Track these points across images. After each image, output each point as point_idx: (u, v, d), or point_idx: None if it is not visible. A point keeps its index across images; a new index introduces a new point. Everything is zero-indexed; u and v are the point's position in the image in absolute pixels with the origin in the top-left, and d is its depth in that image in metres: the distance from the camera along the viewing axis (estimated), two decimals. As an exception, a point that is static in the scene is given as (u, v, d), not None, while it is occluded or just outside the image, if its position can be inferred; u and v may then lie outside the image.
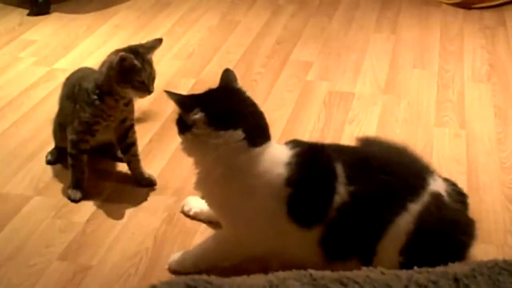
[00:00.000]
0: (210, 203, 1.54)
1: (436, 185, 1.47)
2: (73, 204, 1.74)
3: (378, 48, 2.60)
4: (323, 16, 2.90)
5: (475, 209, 1.71)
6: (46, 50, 2.60)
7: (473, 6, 2.95)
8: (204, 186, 1.51)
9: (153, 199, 1.76)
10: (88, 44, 2.64)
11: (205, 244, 1.53)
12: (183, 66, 2.47)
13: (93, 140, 1.78)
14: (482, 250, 1.56)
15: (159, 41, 1.76)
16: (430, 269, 1.11)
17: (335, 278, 1.07)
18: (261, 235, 1.46)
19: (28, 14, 2.91)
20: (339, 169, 1.43)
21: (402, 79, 2.37)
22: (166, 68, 2.43)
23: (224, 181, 1.45)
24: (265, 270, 1.11)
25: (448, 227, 1.43)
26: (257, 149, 1.44)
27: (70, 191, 1.77)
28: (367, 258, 1.41)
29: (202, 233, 1.63)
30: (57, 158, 1.91)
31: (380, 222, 1.42)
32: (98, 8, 2.99)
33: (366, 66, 2.46)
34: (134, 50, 1.69)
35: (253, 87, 2.31)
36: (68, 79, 1.87)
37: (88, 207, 1.73)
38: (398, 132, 2.05)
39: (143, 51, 1.71)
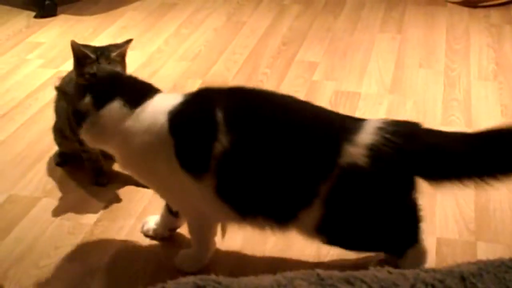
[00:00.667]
0: (142, 181, 1.57)
1: (352, 153, 1.33)
2: (81, 206, 1.75)
3: (384, 48, 2.61)
4: (328, 16, 2.90)
5: (482, 209, 1.71)
6: (53, 52, 2.61)
7: (479, 4, 2.95)
8: (125, 167, 1.54)
9: (161, 200, 1.77)
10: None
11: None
12: (189, 67, 2.47)
13: None
14: (489, 249, 1.56)
15: (128, 41, 1.78)
16: (436, 268, 1.11)
17: (343, 277, 1.07)
18: (182, 195, 1.45)
19: (35, 17, 2.93)
20: (219, 115, 1.36)
21: (408, 78, 2.38)
22: (172, 70, 2.44)
23: (130, 153, 1.46)
24: (273, 270, 1.12)
25: (363, 209, 1.37)
26: (139, 108, 1.44)
27: (95, 179, 1.82)
28: (280, 218, 1.39)
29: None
30: (65, 160, 1.92)
31: (277, 182, 1.35)
32: (105, 10, 3.00)
33: (372, 65, 2.47)
34: (99, 47, 1.74)
35: (259, 87, 2.31)
36: (61, 80, 1.88)
37: (96, 208, 1.74)
38: (404, 131, 2.05)
39: (107, 48, 1.74)
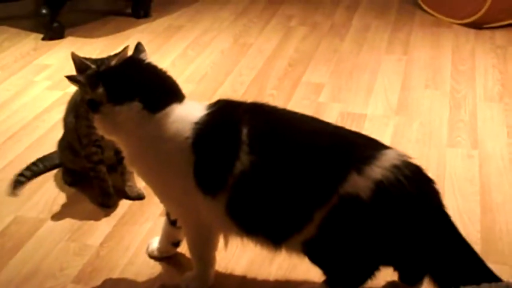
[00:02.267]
0: (144, 181, 1.51)
1: (357, 183, 1.29)
2: (87, 227, 1.75)
3: (390, 69, 2.61)
4: (334, 38, 2.91)
5: (488, 230, 1.71)
6: (60, 74, 2.62)
7: (484, 26, 2.96)
8: (131, 165, 1.47)
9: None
10: (102, 68, 2.67)
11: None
12: (196, 89, 2.48)
13: (106, 152, 1.82)
14: (495, 271, 1.55)
15: (125, 47, 1.76)
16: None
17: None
18: (187, 206, 1.42)
19: (43, 39, 2.95)
20: (244, 136, 1.34)
21: (414, 99, 2.38)
22: (179, 91, 2.44)
23: (143, 156, 1.41)
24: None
25: (352, 241, 1.34)
26: (161, 113, 1.38)
27: (101, 200, 1.83)
28: (275, 239, 1.37)
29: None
30: (75, 179, 1.92)
31: (282, 204, 1.34)
32: (112, 32, 3.02)
33: (378, 87, 2.47)
34: (99, 58, 1.76)
35: (265, 109, 2.32)
36: (71, 97, 1.90)
37: (102, 229, 1.74)
38: (410, 153, 2.04)
39: (106, 58, 1.76)
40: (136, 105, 1.38)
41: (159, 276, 1.58)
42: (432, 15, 3.13)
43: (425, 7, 3.17)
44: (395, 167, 1.31)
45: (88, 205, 1.84)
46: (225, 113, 1.41)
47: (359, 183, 1.30)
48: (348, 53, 2.76)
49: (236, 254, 1.62)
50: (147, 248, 1.65)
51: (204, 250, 1.49)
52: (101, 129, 1.44)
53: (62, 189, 1.91)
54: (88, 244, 1.69)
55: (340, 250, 1.36)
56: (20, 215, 1.81)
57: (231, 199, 1.36)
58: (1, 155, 2.09)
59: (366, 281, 1.40)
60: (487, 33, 2.91)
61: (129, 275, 1.59)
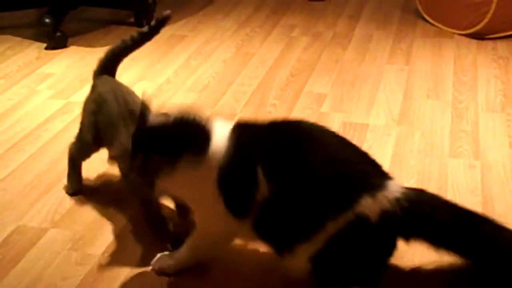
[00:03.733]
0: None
1: (369, 205, 1.41)
2: (89, 237, 1.75)
3: (392, 79, 2.62)
4: (336, 48, 2.92)
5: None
6: (63, 83, 2.63)
7: (486, 36, 2.96)
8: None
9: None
10: (104, 77, 2.67)
11: (187, 242, 1.61)
12: (198, 98, 2.49)
13: None
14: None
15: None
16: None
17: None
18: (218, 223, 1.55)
19: (46, 48, 2.96)
20: (260, 171, 1.45)
21: (416, 110, 2.38)
22: (181, 101, 2.45)
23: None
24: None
25: (358, 258, 1.45)
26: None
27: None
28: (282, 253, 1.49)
29: (219, 267, 1.64)
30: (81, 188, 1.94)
31: (296, 224, 1.45)
32: (114, 41, 3.00)
33: (380, 97, 2.48)
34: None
35: (268, 119, 2.32)
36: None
37: (104, 239, 1.74)
38: (412, 163, 2.05)
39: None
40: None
41: (161, 285, 1.58)
42: (434, 26, 3.13)
43: (427, 18, 3.18)
44: (397, 200, 1.45)
45: (90, 215, 1.84)
46: (242, 151, 1.49)
47: (371, 207, 1.42)
48: (350, 63, 2.77)
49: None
50: (152, 265, 1.64)
51: (206, 250, 1.61)
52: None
53: (64, 198, 1.91)
54: (90, 254, 1.69)
55: (344, 264, 1.46)
56: (22, 224, 1.81)
57: (257, 220, 1.49)
58: (3, 164, 2.09)
59: None
60: (489, 43, 2.92)
61: (131, 285, 1.59)
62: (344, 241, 1.43)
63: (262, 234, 1.51)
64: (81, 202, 1.89)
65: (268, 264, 1.62)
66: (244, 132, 1.52)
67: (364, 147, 2.13)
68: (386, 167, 2.00)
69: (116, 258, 1.67)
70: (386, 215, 1.43)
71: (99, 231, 1.77)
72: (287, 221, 1.46)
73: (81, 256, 1.68)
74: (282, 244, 1.49)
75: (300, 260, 1.46)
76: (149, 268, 1.63)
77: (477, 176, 1.98)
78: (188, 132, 1.48)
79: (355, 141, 2.14)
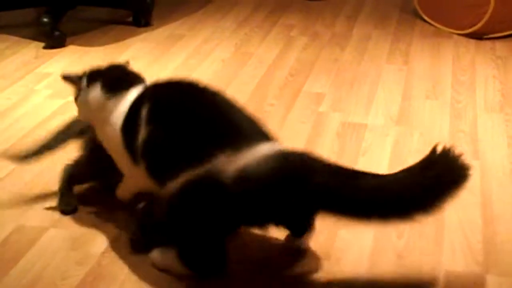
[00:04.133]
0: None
1: (222, 163, 1.43)
2: (88, 236, 1.75)
3: (391, 79, 2.62)
4: (335, 48, 2.92)
5: (490, 241, 1.71)
6: (62, 83, 2.60)
7: (484, 36, 2.97)
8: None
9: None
10: (103, 77, 2.67)
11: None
12: (197, 98, 2.48)
13: None
14: (496, 283, 1.56)
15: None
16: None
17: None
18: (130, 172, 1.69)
19: (44, 47, 2.96)
20: (145, 108, 1.56)
21: (414, 109, 2.39)
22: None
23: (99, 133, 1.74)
24: None
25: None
26: (113, 99, 1.67)
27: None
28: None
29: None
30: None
31: (163, 165, 1.53)
32: (113, 41, 3.03)
33: (378, 97, 2.48)
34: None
35: (266, 118, 2.32)
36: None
37: (104, 238, 1.74)
38: (411, 162, 2.05)
39: None
40: (98, 87, 1.70)
41: (160, 285, 1.58)
42: (433, 25, 3.14)
43: (426, 17, 3.18)
44: (264, 158, 1.43)
45: (90, 214, 1.84)
46: (137, 98, 1.64)
47: (224, 166, 1.43)
48: (349, 63, 2.77)
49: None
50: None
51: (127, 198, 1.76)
52: (80, 113, 1.78)
53: (63, 198, 1.92)
54: (90, 253, 1.69)
55: (192, 220, 1.50)
56: (21, 224, 1.81)
57: (146, 163, 1.58)
58: (2, 163, 2.09)
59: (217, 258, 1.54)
60: (487, 43, 2.93)
61: (131, 285, 1.59)
62: (192, 194, 1.47)
63: (149, 174, 1.57)
64: (81, 201, 1.89)
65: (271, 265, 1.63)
66: (151, 87, 1.67)
67: (363, 147, 2.14)
68: (384, 166, 2.02)
69: (116, 258, 1.68)
70: (245, 175, 1.41)
71: (98, 231, 1.78)
72: (158, 161, 1.54)
73: (80, 256, 1.68)
74: (158, 181, 1.55)
75: (163, 199, 1.54)
76: (149, 268, 1.63)
77: (475, 176, 1.99)
78: (109, 71, 1.75)
79: (353, 140, 2.18)
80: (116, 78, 1.71)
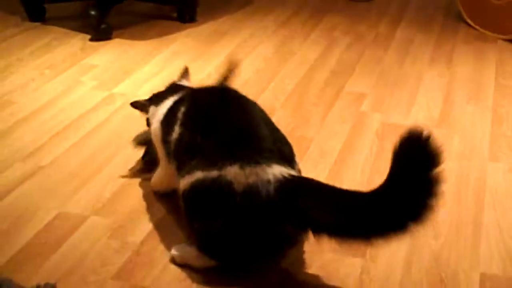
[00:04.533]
0: None
1: (234, 173, 1.51)
2: (128, 225, 1.79)
3: (432, 82, 2.61)
4: (378, 49, 2.92)
5: (527, 246, 1.70)
6: (107, 75, 2.67)
7: (529, 42, 2.94)
8: None
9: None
10: (147, 70, 2.72)
11: None
12: (239, 94, 2.51)
13: None
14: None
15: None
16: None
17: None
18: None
19: (90, 39, 3.00)
20: (181, 112, 1.69)
21: (455, 113, 2.38)
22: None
23: None
24: None
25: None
26: (158, 105, 1.85)
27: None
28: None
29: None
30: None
31: (184, 161, 1.63)
32: (158, 35, 3.07)
33: (419, 99, 2.48)
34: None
35: (306, 117, 2.34)
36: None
37: (143, 228, 1.78)
38: (450, 166, 2.05)
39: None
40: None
41: (197, 276, 1.60)
42: (476, 30, 3.12)
43: (470, 22, 3.16)
44: (270, 180, 1.51)
45: (130, 204, 1.88)
46: (177, 100, 1.79)
47: (236, 176, 1.51)
48: (391, 65, 2.77)
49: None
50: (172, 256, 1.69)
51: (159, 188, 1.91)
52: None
53: (105, 187, 1.95)
54: (129, 242, 1.72)
55: (202, 213, 1.58)
56: (64, 211, 1.85)
57: (176, 161, 1.68)
58: (47, 151, 2.14)
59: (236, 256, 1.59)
60: (532, 49, 2.90)
61: (168, 273, 1.62)
62: (202, 194, 1.55)
63: (175, 168, 1.68)
64: (121, 192, 1.93)
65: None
66: (190, 91, 1.82)
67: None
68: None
69: (154, 247, 1.71)
70: (252, 191, 1.49)
71: (138, 220, 1.81)
72: (183, 157, 1.63)
73: (120, 244, 1.72)
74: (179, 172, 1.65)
75: (180, 191, 1.62)
76: (187, 258, 1.66)
77: (516, 181, 1.98)
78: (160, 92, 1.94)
79: (393, 142, 2.17)
80: (163, 91, 1.93)
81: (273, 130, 1.65)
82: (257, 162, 1.52)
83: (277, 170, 1.52)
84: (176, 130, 1.67)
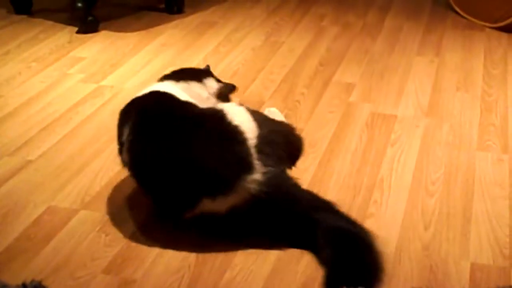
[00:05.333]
0: None
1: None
2: (118, 218, 1.78)
3: (421, 71, 2.61)
4: (366, 38, 2.92)
5: (517, 234, 1.71)
6: (94, 67, 2.66)
7: (517, 30, 2.95)
8: None
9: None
10: (135, 62, 2.70)
11: None
12: (227, 85, 2.50)
13: None
14: (523, 276, 1.55)
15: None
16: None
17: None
18: None
19: (77, 32, 2.99)
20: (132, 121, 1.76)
21: (445, 102, 2.38)
22: (211, 87, 2.46)
23: None
24: None
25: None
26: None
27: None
28: None
29: (244, 251, 1.65)
30: None
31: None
32: (145, 27, 3.05)
33: (409, 88, 2.48)
34: None
35: (295, 107, 2.33)
36: None
37: (133, 221, 1.77)
38: (440, 155, 2.05)
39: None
40: None
41: (188, 269, 1.60)
42: (465, 18, 3.12)
43: (458, 10, 3.16)
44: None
45: (120, 197, 1.87)
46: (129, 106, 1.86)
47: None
48: (380, 54, 2.77)
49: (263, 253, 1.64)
50: None
51: None
52: None
53: (94, 181, 1.95)
54: (119, 235, 1.72)
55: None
56: (53, 205, 1.84)
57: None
58: (35, 145, 2.12)
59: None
60: (520, 37, 2.90)
61: (159, 267, 1.61)
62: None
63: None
64: (110, 185, 1.92)
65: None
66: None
67: (392, 138, 2.14)
68: (413, 158, 2.03)
69: (144, 240, 1.70)
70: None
71: (128, 214, 1.80)
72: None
73: (110, 238, 1.71)
74: None
75: None
76: (176, 251, 1.65)
77: (505, 170, 1.98)
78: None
79: (383, 131, 2.18)
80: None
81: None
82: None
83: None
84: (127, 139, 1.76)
